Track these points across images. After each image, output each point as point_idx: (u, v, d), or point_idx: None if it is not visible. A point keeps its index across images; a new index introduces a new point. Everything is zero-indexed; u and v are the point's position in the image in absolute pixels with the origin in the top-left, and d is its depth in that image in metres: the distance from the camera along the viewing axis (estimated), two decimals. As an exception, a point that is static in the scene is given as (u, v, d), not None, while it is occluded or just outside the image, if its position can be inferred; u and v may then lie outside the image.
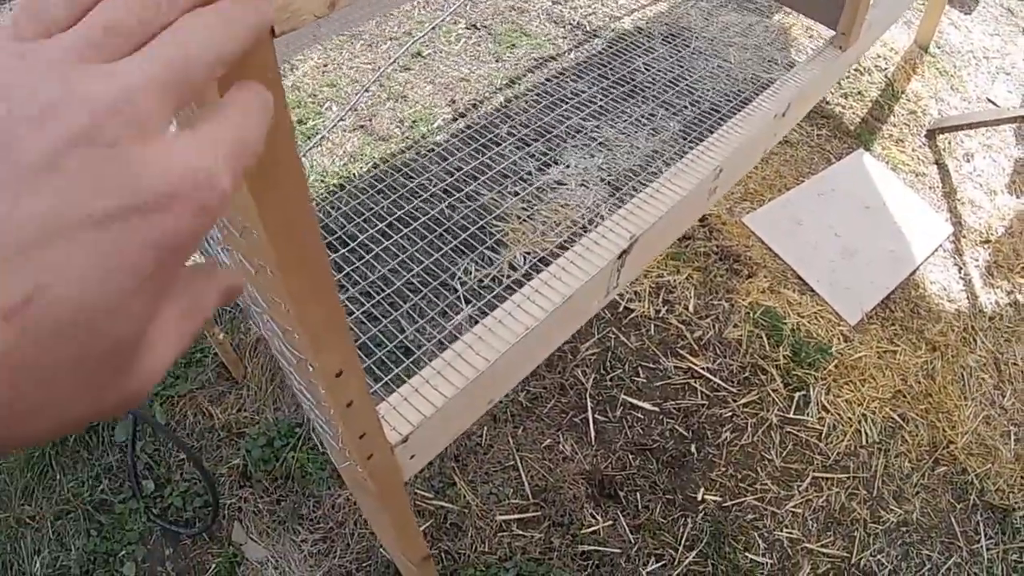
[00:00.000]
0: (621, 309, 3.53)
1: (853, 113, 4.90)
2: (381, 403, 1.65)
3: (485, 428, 3.13)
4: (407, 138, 4.07)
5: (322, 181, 3.83)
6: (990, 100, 5.38)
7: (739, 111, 2.70)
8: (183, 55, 0.49)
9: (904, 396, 3.42)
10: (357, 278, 3.01)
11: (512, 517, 2.94)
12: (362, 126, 4.30)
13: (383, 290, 3.00)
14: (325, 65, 4.84)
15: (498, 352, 1.73)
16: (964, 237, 4.27)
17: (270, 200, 0.95)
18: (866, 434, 3.25)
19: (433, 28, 5.10)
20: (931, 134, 4.91)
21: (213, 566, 2.85)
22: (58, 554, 2.91)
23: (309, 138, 4.23)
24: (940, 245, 4.15)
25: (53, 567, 2.88)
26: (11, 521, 3.02)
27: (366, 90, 4.56)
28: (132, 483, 3.05)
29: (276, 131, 0.91)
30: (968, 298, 3.94)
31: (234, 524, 2.94)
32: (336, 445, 1.49)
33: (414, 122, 4.26)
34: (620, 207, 2.20)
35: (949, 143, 4.86)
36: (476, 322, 1.88)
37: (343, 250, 2.99)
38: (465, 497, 2.95)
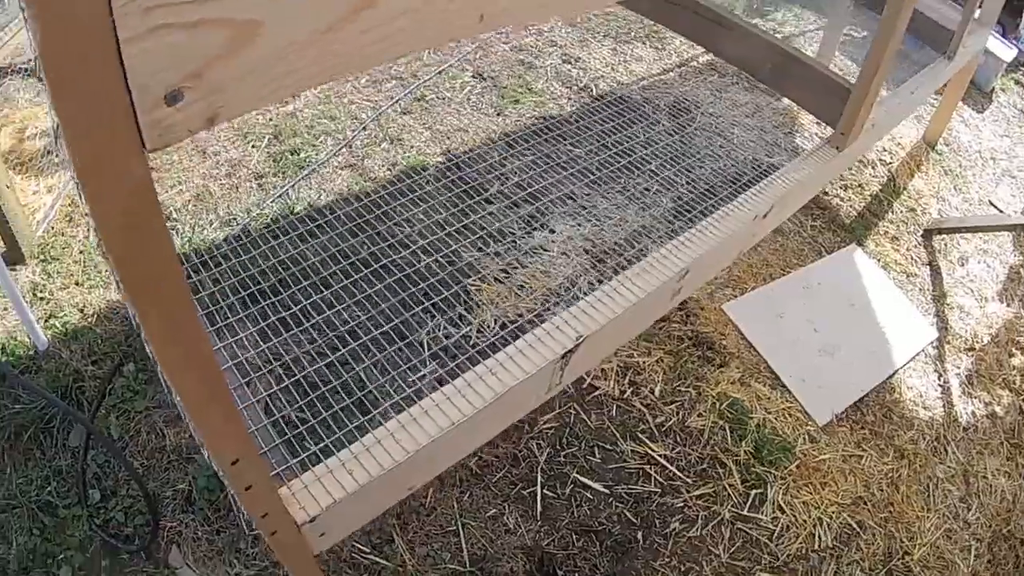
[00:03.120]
0: (585, 385, 3.49)
1: (851, 206, 4.88)
2: (294, 479, 1.62)
3: (431, 490, 3.10)
4: (397, 183, 4.05)
5: (307, 217, 3.80)
6: (992, 203, 5.36)
7: (735, 196, 2.66)
8: None
9: (865, 503, 3.36)
10: (327, 325, 2.99)
11: (446, 582, 2.89)
12: (354, 164, 4.29)
13: (351, 341, 2.98)
14: (327, 96, 4.83)
15: (418, 444, 1.70)
16: (948, 343, 4.23)
17: (158, 316, 0.94)
18: (820, 538, 3.19)
19: (439, 72, 5.09)
20: (928, 234, 4.88)
21: (147, 584, 2.82)
22: (-1, 546, 2.89)
23: (301, 169, 4.22)
24: (922, 350, 4.11)
25: (-8, 558, 2.86)
26: (-44, 507, 3.00)
27: (363, 128, 4.54)
28: (79, 490, 3.03)
29: (163, 259, 0.89)
30: (944, 406, 3.89)
31: (172, 547, 2.92)
32: (244, 515, 1.48)
33: (406, 168, 4.24)
34: (574, 304, 2.17)
35: (945, 244, 4.83)
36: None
37: (315, 296, 2.98)
38: (402, 556, 2.91)
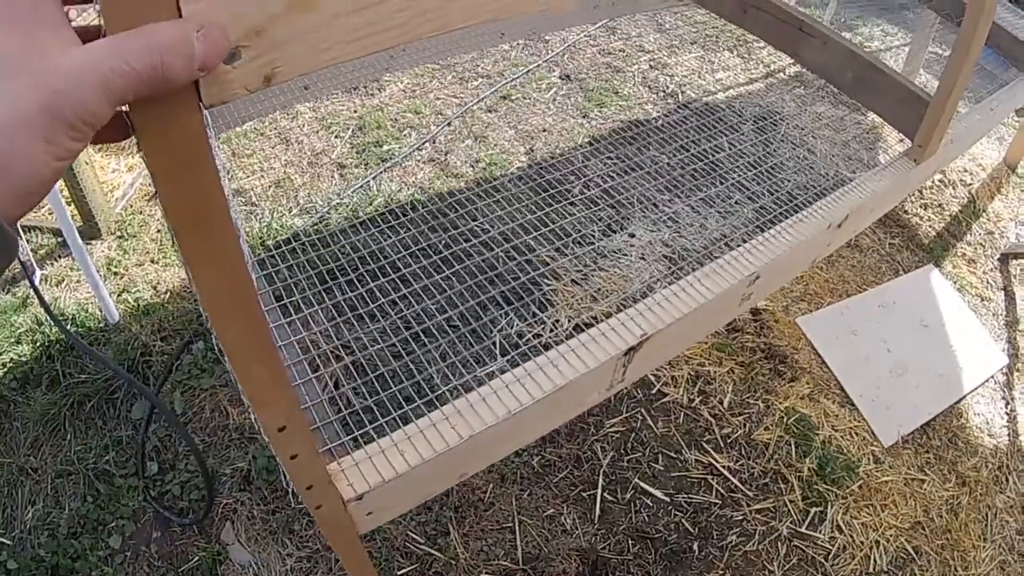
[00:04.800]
0: (655, 391, 3.50)
1: (930, 226, 4.84)
2: (345, 456, 1.64)
3: (491, 485, 3.13)
4: (478, 179, 4.08)
5: (386, 207, 3.84)
6: (1071, 230, 5.29)
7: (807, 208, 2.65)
8: None
9: (923, 528, 3.33)
10: (399, 308, 3.02)
11: (497, 579, 2.92)
12: (436, 159, 4.33)
13: (421, 322, 3.00)
14: (413, 91, 4.87)
15: (473, 430, 1.71)
16: (1018, 370, 4.17)
17: (206, 274, 0.97)
18: (875, 561, 3.17)
19: (526, 73, 5.11)
20: (1005, 258, 4.83)
21: (196, 558, 2.88)
22: (51, 510, 2.97)
23: (383, 161, 4.26)
24: (992, 376, 4.07)
25: (44, 521, 2.93)
26: (13, 468, 3.09)
27: (448, 124, 4.57)
28: (137, 461, 3.11)
29: (211, 206, 0.92)
30: (1009, 435, 3.84)
31: (226, 524, 2.98)
32: (291, 488, 1.50)
33: (489, 164, 4.28)
34: (637, 302, 2.16)
35: (1021, 269, 4.77)
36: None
37: (384, 278, 3.00)
38: (456, 549, 2.94)
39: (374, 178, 4.13)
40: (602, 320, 2.05)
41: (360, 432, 2.08)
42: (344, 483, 1.57)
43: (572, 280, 3.57)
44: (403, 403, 2.40)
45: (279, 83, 0.93)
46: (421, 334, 3.03)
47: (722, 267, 2.31)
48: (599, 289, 3.55)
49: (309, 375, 2.27)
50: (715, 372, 3.62)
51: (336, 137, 4.47)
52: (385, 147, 4.38)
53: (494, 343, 3.19)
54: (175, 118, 0.81)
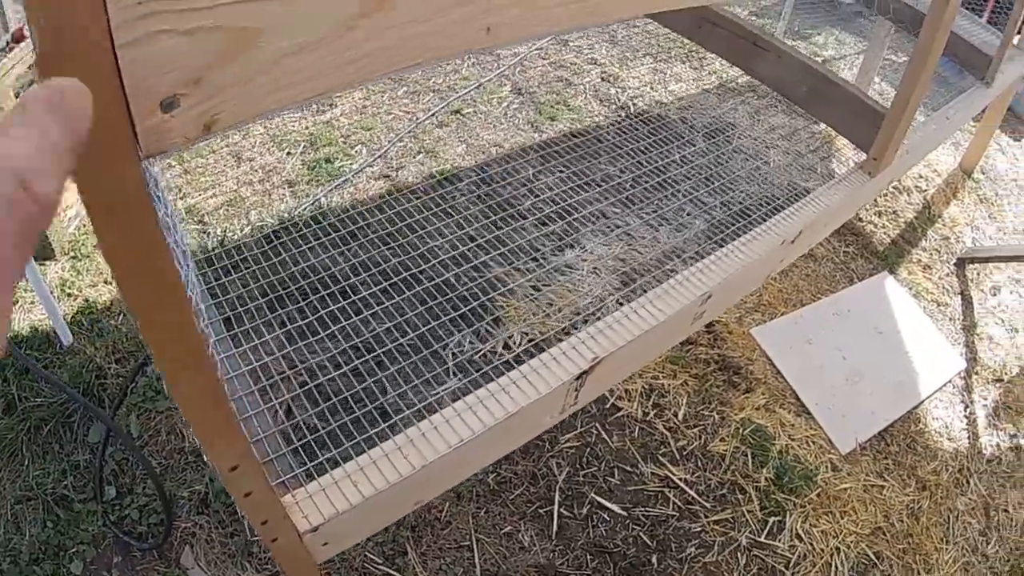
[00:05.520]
0: (608, 406, 3.48)
1: (884, 233, 4.85)
2: (299, 488, 1.63)
3: (447, 504, 3.11)
4: (430, 196, 4.05)
5: (337, 227, 3.81)
6: (1027, 232, 5.31)
7: (765, 220, 2.65)
8: None
9: (884, 533, 3.33)
10: (351, 333, 2.99)
11: (456, 598, 2.89)
12: (388, 176, 4.31)
13: (374, 349, 2.97)
14: (364, 107, 4.85)
15: (426, 459, 1.70)
16: (976, 374, 4.19)
17: (155, 323, 0.94)
18: (836, 568, 3.16)
19: (478, 87, 5.10)
20: (961, 263, 4.84)
21: (156, 583, 2.85)
22: (12, 536, 2.92)
23: (333, 178, 4.23)
24: (950, 380, 4.08)
25: (5, 547, 2.89)
26: (-28, 495, 3.04)
27: (399, 140, 4.55)
28: (95, 486, 3.07)
29: (154, 253, 0.90)
30: (969, 438, 3.85)
31: (185, 548, 2.94)
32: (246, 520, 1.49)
33: (440, 180, 4.26)
34: (590, 324, 2.15)
35: (978, 274, 4.79)
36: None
37: (343, 302, 2.97)
38: (414, 568, 2.92)
39: (325, 195, 4.11)
40: (555, 336, 2.04)
41: (313, 464, 2.06)
42: (299, 515, 1.57)
43: (523, 294, 3.56)
44: (354, 432, 2.38)
45: (220, 131, 0.91)
46: (371, 346, 3.01)
47: (674, 288, 2.31)
48: (550, 303, 3.54)
49: (261, 406, 2.25)
50: (669, 385, 3.61)
51: (287, 153, 4.44)
52: (336, 163, 4.36)
53: (447, 369, 3.17)
54: (116, 172, 0.79)
